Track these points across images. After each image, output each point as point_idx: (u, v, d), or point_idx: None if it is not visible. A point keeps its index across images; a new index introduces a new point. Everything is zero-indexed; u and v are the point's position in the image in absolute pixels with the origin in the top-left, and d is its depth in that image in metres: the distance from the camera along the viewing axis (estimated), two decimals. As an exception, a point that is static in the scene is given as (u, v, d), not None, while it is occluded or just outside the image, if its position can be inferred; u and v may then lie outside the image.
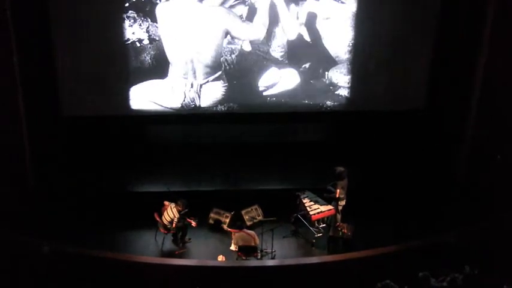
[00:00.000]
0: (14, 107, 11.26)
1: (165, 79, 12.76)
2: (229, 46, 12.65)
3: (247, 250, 10.43)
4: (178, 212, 10.70)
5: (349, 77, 13.08)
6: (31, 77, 11.54)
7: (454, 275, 8.51)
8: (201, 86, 12.83)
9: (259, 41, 12.65)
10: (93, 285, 9.27)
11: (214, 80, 12.91)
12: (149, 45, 12.46)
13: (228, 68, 12.83)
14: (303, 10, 12.51)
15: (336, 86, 13.15)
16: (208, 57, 12.71)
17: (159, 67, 12.64)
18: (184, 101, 12.95)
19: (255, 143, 13.54)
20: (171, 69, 12.72)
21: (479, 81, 11.69)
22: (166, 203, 11.01)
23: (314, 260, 10.21)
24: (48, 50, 12.08)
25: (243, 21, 12.43)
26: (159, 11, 12.27)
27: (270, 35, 12.63)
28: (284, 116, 13.34)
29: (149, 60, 12.54)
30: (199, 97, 12.91)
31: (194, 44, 12.58)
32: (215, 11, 12.36)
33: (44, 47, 12.00)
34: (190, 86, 12.77)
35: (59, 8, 11.89)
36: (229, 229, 11.13)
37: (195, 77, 12.79)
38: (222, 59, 12.72)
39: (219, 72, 12.85)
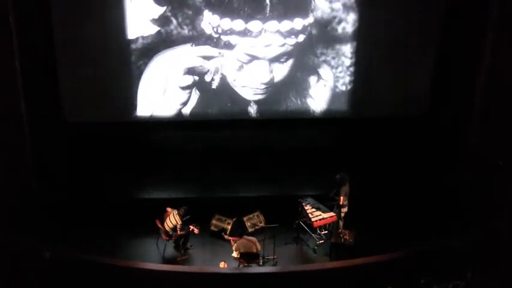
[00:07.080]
0: (17, 113, 11.23)
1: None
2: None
3: (249, 257, 10.40)
4: (181, 218, 10.70)
5: (351, 82, 13.08)
6: (34, 82, 11.53)
7: (457, 282, 8.50)
8: None
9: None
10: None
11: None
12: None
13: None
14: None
15: (338, 92, 13.14)
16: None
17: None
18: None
19: (257, 149, 13.50)
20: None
21: (482, 87, 11.66)
22: (168, 209, 11.00)
23: (316, 266, 10.21)
24: (51, 54, 12.09)
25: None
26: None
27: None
28: (286, 122, 13.34)
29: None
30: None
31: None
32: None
33: (47, 51, 12.00)
34: None
35: (62, 11, 11.88)
36: (229, 238, 11.13)
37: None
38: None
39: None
